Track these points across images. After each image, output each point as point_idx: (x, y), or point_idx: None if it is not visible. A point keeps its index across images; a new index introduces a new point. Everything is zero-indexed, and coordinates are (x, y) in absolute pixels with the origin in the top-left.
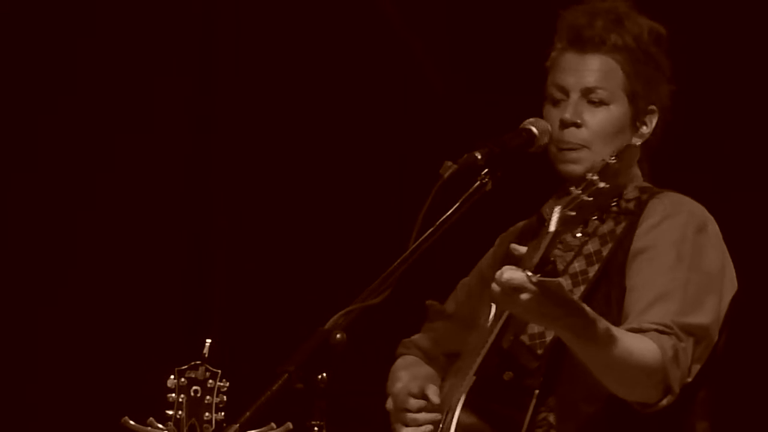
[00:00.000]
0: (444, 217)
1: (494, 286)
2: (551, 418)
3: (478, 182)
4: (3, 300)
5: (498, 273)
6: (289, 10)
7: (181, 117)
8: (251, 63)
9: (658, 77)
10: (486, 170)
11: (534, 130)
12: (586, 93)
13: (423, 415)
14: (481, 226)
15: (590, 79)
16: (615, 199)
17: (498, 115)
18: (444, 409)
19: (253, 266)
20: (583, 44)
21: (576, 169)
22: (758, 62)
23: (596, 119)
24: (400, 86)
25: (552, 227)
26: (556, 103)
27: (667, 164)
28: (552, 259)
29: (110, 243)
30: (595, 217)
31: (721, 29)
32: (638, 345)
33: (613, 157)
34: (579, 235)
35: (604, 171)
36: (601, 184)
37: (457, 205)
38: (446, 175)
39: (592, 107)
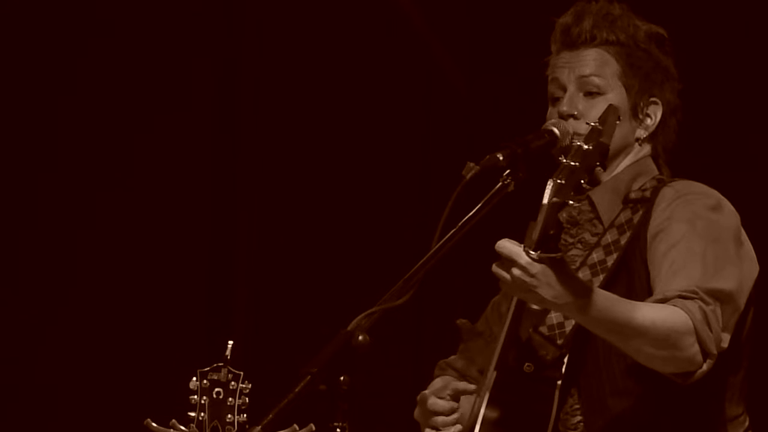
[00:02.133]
0: (466, 218)
1: (494, 266)
2: (579, 414)
3: (500, 183)
4: (26, 301)
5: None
6: (311, 12)
7: (205, 118)
8: (274, 64)
9: (658, 73)
10: (508, 171)
11: (556, 131)
12: (582, 84)
13: (444, 419)
14: (504, 229)
15: (584, 68)
16: (600, 160)
17: (520, 116)
18: (473, 412)
19: (276, 268)
20: (573, 42)
21: None
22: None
23: (593, 110)
24: (423, 87)
25: (545, 199)
26: (555, 101)
27: (685, 164)
28: (553, 234)
29: (134, 245)
30: (584, 181)
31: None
32: (663, 312)
33: (596, 121)
34: (572, 202)
35: (589, 135)
36: (585, 146)
37: (479, 206)
38: (468, 177)
39: (588, 98)
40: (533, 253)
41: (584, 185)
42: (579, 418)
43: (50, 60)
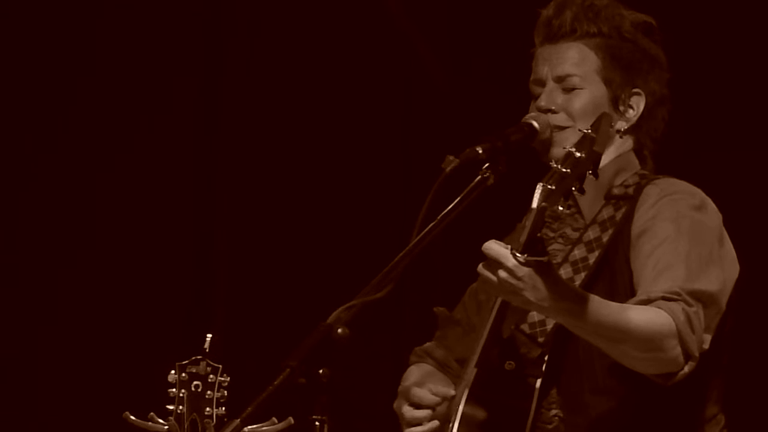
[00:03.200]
0: (446, 211)
1: (479, 267)
2: (560, 413)
3: (480, 176)
4: (6, 296)
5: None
6: (294, 9)
7: (186, 116)
8: (257, 61)
9: (643, 63)
10: (488, 164)
11: (535, 124)
12: (559, 81)
13: (422, 412)
14: (483, 222)
15: (562, 67)
16: (592, 168)
17: (500, 109)
18: (453, 407)
19: (255, 261)
20: (554, 34)
21: (558, 151)
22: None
23: (570, 104)
24: (404, 82)
25: (534, 203)
26: (536, 96)
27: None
28: (540, 237)
29: (113, 239)
30: (575, 189)
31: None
32: (646, 314)
33: (588, 128)
34: (561, 208)
35: (581, 142)
36: (578, 154)
37: (459, 199)
38: (448, 170)
39: (567, 93)
40: (520, 255)
41: (575, 192)
42: (555, 411)
43: (31, 58)
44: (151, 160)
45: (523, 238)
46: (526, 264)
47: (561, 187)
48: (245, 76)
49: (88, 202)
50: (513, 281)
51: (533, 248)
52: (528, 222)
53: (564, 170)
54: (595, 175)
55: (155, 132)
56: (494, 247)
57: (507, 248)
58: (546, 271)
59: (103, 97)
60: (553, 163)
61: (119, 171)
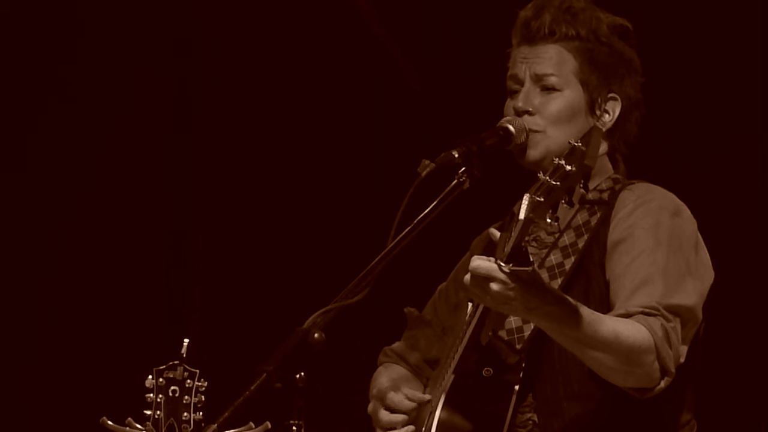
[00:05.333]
0: (422, 215)
1: (466, 277)
2: (534, 417)
3: (456, 180)
4: None
5: (470, 264)
6: (267, 12)
7: (162, 117)
8: (230, 64)
9: (619, 67)
10: (463, 168)
11: (511, 128)
12: (537, 80)
13: (398, 416)
14: (459, 226)
15: (541, 66)
16: (582, 182)
17: (474, 113)
18: (426, 411)
19: (232, 266)
20: (532, 36)
21: (532, 153)
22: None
23: (548, 105)
24: (378, 86)
25: (522, 215)
26: (512, 95)
27: (642, 160)
28: (524, 247)
29: (89, 243)
30: (564, 201)
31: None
32: (626, 327)
33: (579, 141)
34: (549, 220)
35: (570, 154)
36: (568, 168)
37: (434, 203)
38: (424, 174)
39: (544, 94)
40: (505, 266)
41: (564, 205)
42: (529, 415)
43: (11, 63)
44: (126, 165)
45: (508, 248)
46: (512, 274)
47: (549, 200)
48: (219, 81)
49: (63, 207)
50: (507, 292)
51: (517, 257)
52: (514, 233)
53: (554, 183)
54: (586, 188)
55: (129, 138)
56: (482, 265)
57: (492, 261)
58: (532, 278)
59: (77, 98)
60: (542, 174)
61: (93, 176)
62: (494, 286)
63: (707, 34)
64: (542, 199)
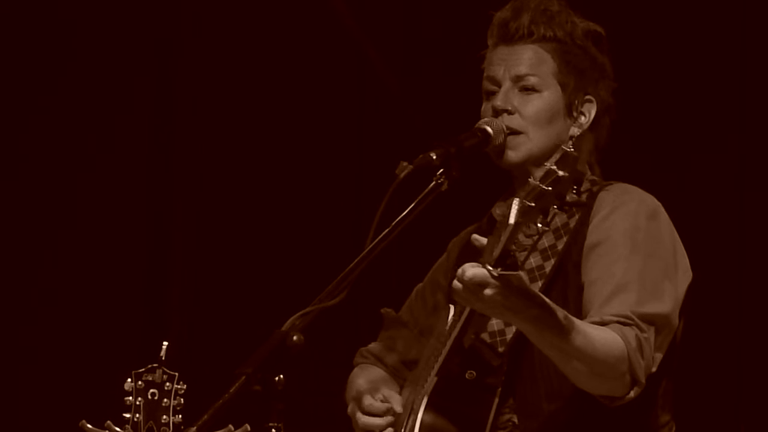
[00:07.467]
0: (400, 217)
1: (456, 284)
2: (514, 418)
3: (434, 182)
4: None
5: (460, 271)
6: (244, 12)
7: (141, 119)
8: (210, 64)
9: (594, 71)
10: (441, 170)
11: (489, 129)
12: (517, 81)
13: (375, 420)
14: (437, 228)
15: (520, 67)
16: (574, 188)
17: (453, 113)
18: (406, 413)
19: (211, 268)
20: (510, 37)
21: (513, 155)
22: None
23: (528, 106)
24: (356, 87)
25: (512, 219)
26: (490, 95)
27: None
28: (513, 252)
29: (67, 245)
30: (555, 207)
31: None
32: (602, 335)
33: (570, 146)
34: (539, 225)
35: (562, 160)
36: (560, 173)
37: (413, 205)
38: (402, 176)
39: (523, 94)
40: (494, 270)
41: (554, 210)
42: (509, 416)
43: None
44: (105, 167)
45: (496, 252)
46: (501, 278)
47: (540, 204)
48: (197, 79)
49: (41, 209)
50: (499, 297)
51: (504, 262)
52: (503, 237)
53: (545, 188)
54: (578, 194)
55: (108, 140)
56: (475, 272)
57: (481, 267)
58: (518, 282)
59: (56, 99)
60: (532, 179)
61: (71, 178)
62: (488, 291)
63: (684, 36)
64: (533, 204)
